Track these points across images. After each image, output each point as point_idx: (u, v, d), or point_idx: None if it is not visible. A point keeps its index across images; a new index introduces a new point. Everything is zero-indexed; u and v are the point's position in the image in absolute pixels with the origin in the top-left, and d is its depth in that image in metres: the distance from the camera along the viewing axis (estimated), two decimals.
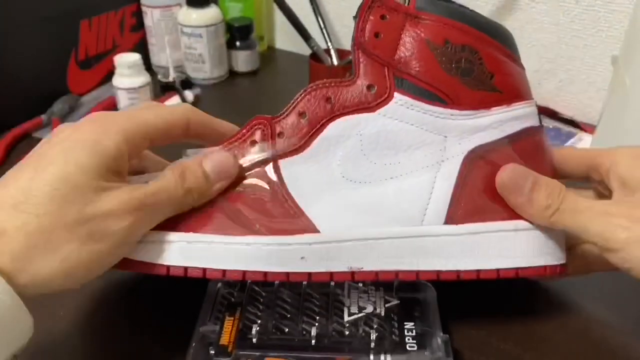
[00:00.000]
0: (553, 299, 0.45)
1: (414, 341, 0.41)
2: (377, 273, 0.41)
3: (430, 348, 0.41)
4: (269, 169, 0.42)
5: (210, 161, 0.41)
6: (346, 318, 0.43)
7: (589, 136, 0.74)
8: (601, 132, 0.69)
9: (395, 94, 0.41)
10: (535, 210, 0.40)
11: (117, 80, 0.77)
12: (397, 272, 0.41)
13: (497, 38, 0.43)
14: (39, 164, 0.36)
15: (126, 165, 0.39)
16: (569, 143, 0.73)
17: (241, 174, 0.42)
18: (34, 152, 0.37)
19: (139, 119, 0.40)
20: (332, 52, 0.83)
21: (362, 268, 0.41)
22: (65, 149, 0.36)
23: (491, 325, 0.46)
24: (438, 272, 0.41)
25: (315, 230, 0.41)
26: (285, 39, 1.04)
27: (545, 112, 0.78)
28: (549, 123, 0.77)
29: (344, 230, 0.41)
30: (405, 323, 0.43)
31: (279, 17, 0.99)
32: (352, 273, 0.41)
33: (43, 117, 0.75)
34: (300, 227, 0.41)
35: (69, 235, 0.34)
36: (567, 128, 0.77)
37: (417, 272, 0.41)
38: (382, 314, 0.44)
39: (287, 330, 0.42)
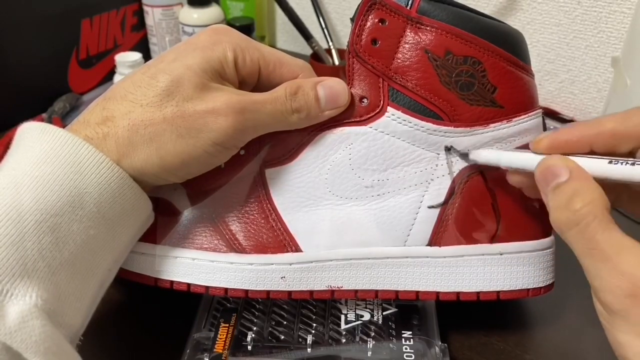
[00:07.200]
0: (553, 299, 0.45)
1: (412, 350, 0.41)
2: (356, 292, 0.42)
3: (428, 358, 0.41)
4: (256, 177, 0.42)
5: (324, 87, 0.40)
6: (343, 326, 0.43)
7: None
8: None
9: (389, 108, 0.40)
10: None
11: (118, 80, 0.76)
12: (376, 292, 0.42)
13: (505, 45, 0.40)
14: (154, 63, 0.39)
15: (234, 73, 0.40)
16: None
17: (231, 183, 0.42)
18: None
19: (254, 43, 0.41)
20: (333, 52, 0.83)
21: (341, 287, 0.41)
22: (178, 50, 0.39)
23: (491, 325, 0.46)
24: (417, 293, 0.42)
25: (297, 248, 0.41)
26: (287, 39, 1.04)
27: (546, 112, 0.78)
28: (549, 124, 0.77)
29: (325, 250, 0.41)
30: (403, 332, 0.43)
31: (280, 16, 0.99)
32: (332, 291, 0.41)
33: (44, 115, 0.75)
34: (283, 244, 0.41)
35: (168, 126, 0.36)
36: None
37: (397, 292, 0.42)
38: (380, 322, 0.43)
39: (282, 337, 0.42)
